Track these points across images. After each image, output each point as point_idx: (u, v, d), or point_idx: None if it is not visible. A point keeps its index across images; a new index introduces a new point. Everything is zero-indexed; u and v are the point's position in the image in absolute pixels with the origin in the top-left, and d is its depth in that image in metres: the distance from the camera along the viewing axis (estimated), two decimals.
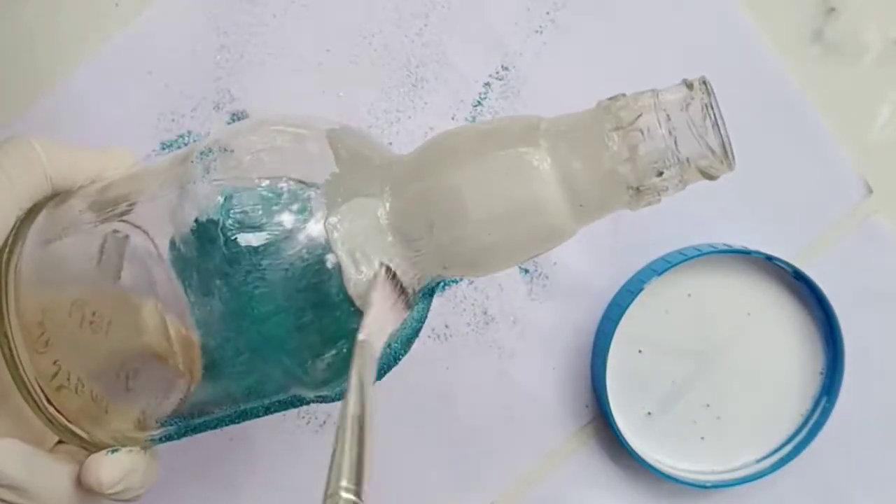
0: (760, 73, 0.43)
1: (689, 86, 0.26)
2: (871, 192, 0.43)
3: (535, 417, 0.43)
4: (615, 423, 0.41)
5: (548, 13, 0.42)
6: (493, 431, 0.43)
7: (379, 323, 0.27)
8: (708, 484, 0.42)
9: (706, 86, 0.26)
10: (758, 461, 0.43)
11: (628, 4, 0.42)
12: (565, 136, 0.26)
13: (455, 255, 0.27)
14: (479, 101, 0.42)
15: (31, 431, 0.29)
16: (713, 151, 0.26)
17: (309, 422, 0.42)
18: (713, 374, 0.42)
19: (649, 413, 0.42)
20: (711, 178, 0.26)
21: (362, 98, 0.42)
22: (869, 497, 0.44)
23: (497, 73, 0.42)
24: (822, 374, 0.43)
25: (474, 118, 0.42)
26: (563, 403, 0.43)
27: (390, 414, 0.42)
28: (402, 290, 0.27)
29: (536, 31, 0.42)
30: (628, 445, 0.41)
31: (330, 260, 0.26)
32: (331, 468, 0.24)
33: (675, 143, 0.25)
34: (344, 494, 0.24)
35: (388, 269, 0.27)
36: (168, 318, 0.27)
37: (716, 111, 0.26)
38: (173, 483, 0.42)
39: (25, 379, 0.28)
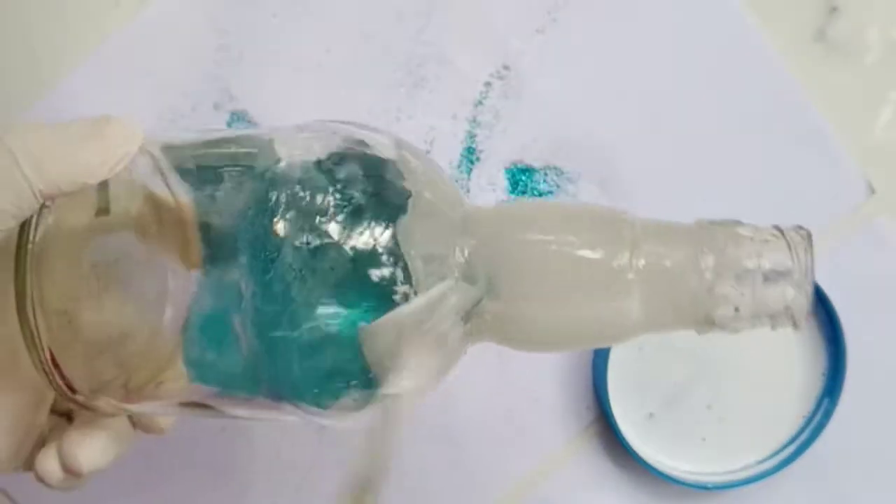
0: (762, 72, 0.43)
1: (794, 256, 0.25)
2: (873, 192, 0.43)
3: (535, 419, 0.43)
4: (616, 424, 0.41)
5: (549, 12, 0.42)
6: (494, 433, 0.43)
7: (417, 380, 0.25)
8: (710, 485, 0.42)
9: (810, 250, 0.25)
10: (760, 462, 0.43)
11: (629, 4, 0.42)
12: (656, 253, 0.25)
13: (514, 336, 0.27)
14: (479, 101, 0.42)
15: (31, 392, 0.28)
16: (794, 317, 0.25)
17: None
18: (715, 375, 0.42)
19: (651, 414, 0.42)
20: (773, 328, 0.26)
21: (362, 98, 0.42)
22: (871, 498, 0.44)
23: (498, 72, 0.42)
24: (824, 375, 0.43)
25: (475, 118, 0.42)
26: (564, 405, 0.43)
27: None
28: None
29: (537, 31, 0.42)
30: (630, 447, 0.41)
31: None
32: None
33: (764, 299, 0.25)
34: None
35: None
36: (157, 190, 0.26)
37: (811, 279, 0.25)
38: (173, 481, 0.42)
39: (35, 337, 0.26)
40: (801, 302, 0.25)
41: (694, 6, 0.42)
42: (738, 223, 0.26)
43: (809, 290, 0.25)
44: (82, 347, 0.27)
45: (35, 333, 0.26)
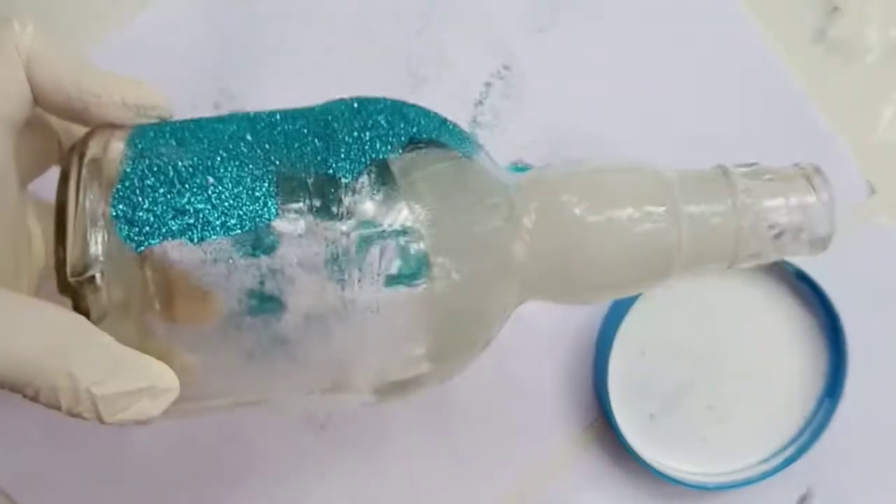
0: (763, 72, 0.43)
1: (814, 188, 0.29)
2: (874, 192, 0.43)
3: (536, 419, 0.43)
4: (617, 424, 0.41)
5: (549, 13, 0.42)
6: (494, 433, 0.43)
7: None
8: (710, 486, 0.42)
9: (826, 180, 0.30)
10: (760, 463, 0.43)
11: (630, 4, 0.42)
12: (699, 208, 0.29)
13: (567, 297, 0.30)
14: (480, 101, 0.42)
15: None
16: (819, 243, 0.30)
17: (310, 420, 0.42)
18: (715, 375, 0.42)
19: (652, 415, 0.42)
20: (810, 253, 0.30)
21: None
22: (872, 499, 0.44)
23: (498, 72, 0.42)
24: (825, 375, 0.43)
25: (475, 118, 0.42)
26: (565, 405, 0.43)
27: (390, 415, 0.42)
28: None
29: (538, 31, 0.42)
30: (630, 447, 0.41)
31: None
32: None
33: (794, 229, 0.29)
34: None
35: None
36: None
37: (833, 203, 0.29)
38: (172, 484, 0.42)
39: None
40: (827, 227, 0.29)
41: (695, 7, 0.42)
42: (758, 164, 0.30)
43: (831, 214, 0.29)
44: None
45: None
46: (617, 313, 0.41)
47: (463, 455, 0.43)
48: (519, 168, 0.42)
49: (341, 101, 0.29)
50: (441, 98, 0.42)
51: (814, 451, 0.42)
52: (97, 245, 0.26)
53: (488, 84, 0.42)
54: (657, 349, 0.42)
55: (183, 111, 0.41)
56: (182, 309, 0.26)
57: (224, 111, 0.41)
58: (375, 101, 0.29)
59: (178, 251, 0.26)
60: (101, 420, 0.26)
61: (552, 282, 0.29)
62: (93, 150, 0.28)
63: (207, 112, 0.41)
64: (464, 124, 0.42)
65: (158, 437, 0.42)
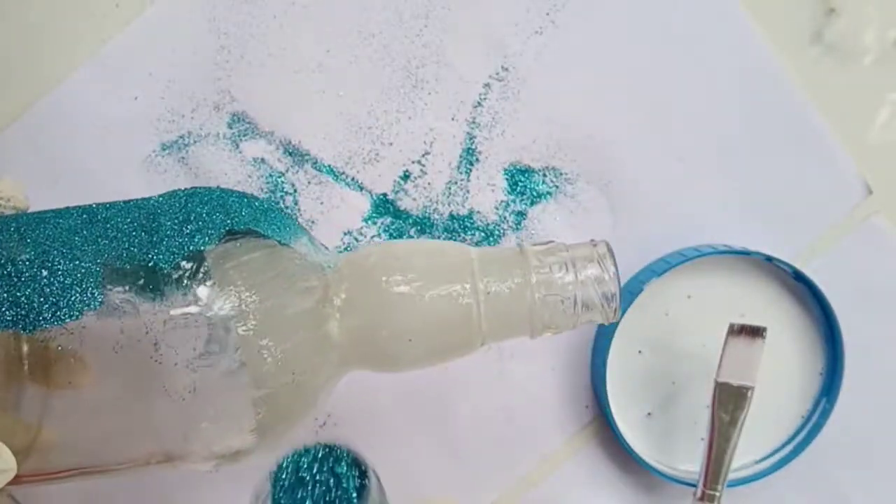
0: (761, 74, 0.43)
1: (601, 264, 0.31)
2: (870, 192, 0.43)
3: (534, 418, 0.43)
4: (615, 423, 0.41)
5: (547, 14, 0.42)
6: (493, 432, 0.43)
7: None
8: None
9: (611, 258, 0.31)
10: (758, 462, 0.43)
11: (628, 6, 0.42)
12: (496, 283, 0.31)
13: (382, 365, 0.32)
14: (478, 102, 0.42)
15: None
16: (611, 308, 0.31)
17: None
18: (713, 374, 0.42)
19: (649, 414, 0.43)
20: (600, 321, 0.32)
21: (362, 99, 0.42)
22: (868, 498, 0.44)
23: (497, 73, 0.42)
24: (821, 374, 0.43)
25: (474, 119, 0.42)
26: (563, 404, 0.43)
27: (391, 414, 0.43)
28: None
29: (536, 32, 0.42)
30: (628, 446, 0.41)
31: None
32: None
33: (580, 295, 0.31)
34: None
35: None
36: None
37: (616, 279, 0.31)
38: (173, 483, 0.42)
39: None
40: (612, 294, 0.31)
41: (693, 8, 0.42)
42: (554, 243, 0.32)
43: (616, 286, 0.31)
44: None
45: None
46: None
47: (461, 453, 0.43)
48: (518, 170, 0.42)
49: (175, 192, 0.31)
50: (440, 99, 0.42)
51: (810, 451, 0.42)
52: None
53: (487, 85, 0.42)
54: (655, 349, 0.42)
55: (184, 112, 0.42)
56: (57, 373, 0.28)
57: (224, 112, 0.42)
58: (204, 192, 0.31)
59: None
60: None
61: (366, 354, 0.31)
62: None
63: (207, 113, 0.42)
64: (463, 125, 0.42)
65: None
